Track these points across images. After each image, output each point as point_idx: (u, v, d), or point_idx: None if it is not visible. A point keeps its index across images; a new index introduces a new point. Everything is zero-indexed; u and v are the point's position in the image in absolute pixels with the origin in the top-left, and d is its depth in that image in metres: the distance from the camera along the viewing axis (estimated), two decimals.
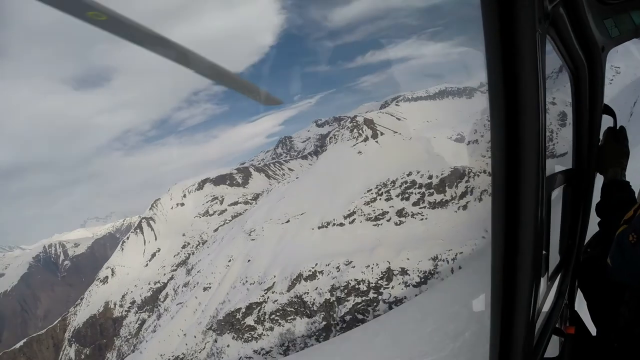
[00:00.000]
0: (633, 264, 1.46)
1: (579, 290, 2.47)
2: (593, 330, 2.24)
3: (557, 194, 1.85)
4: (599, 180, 2.28)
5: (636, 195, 2.08)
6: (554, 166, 1.80)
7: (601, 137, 2.25)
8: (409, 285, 69.88)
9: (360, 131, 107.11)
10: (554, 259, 2.13)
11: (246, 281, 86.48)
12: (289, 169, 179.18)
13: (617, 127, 2.23)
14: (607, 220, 2.13)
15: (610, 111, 2.20)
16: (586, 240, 2.44)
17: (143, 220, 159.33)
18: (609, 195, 2.13)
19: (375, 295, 70.03)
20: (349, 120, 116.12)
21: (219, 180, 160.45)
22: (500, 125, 1.05)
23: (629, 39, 2.03)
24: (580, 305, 2.42)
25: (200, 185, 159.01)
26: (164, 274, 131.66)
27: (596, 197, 2.25)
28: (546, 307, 1.97)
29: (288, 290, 77.23)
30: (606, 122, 2.25)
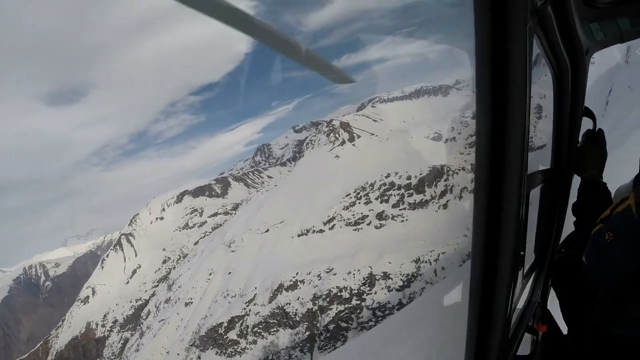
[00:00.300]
0: (608, 262, 1.52)
1: (551, 289, 2.54)
2: (564, 329, 2.31)
3: (534, 192, 1.88)
4: (577, 181, 2.30)
5: (612, 196, 2.12)
6: (533, 165, 1.88)
7: (580, 138, 2.30)
8: (392, 290, 68.57)
9: (337, 135, 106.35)
10: (529, 257, 2.13)
11: (227, 294, 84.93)
12: (268, 176, 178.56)
13: (596, 130, 2.26)
14: (583, 219, 2.18)
15: (590, 114, 2.24)
16: (561, 240, 2.49)
17: (122, 237, 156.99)
18: (586, 195, 2.18)
19: (359, 302, 68.65)
20: (325, 124, 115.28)
21: (198, 192, 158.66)
22: (487, 119, 1.03)
23: (613, 44, 2.06)
24: (552, 305, 2.49)
25: (179, 198, 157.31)
26: (145, 291, 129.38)
27: (572, 197, 2.30)
28: (520, 306, 2.01)
29: (270, 302, 75.71)
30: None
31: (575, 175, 2.32)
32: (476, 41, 0.96)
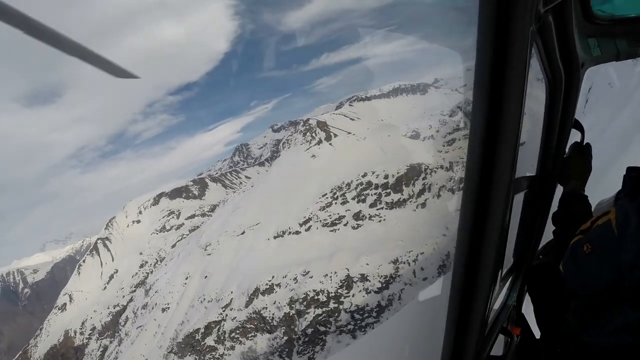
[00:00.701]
0: (585, 273, 1.59)
1: (527, 294, 2.64)
2: (537, 333, 2.38)
3: (517, 198, 1.89)
4: (559, 190, 2.37)
5: (593, 209, 2.19)
6: (520, 170, 1.83)
7: (567, 150, 2.36)
8: (370, 292, 67.49)
9: (314, 134, 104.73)
10: (508, 261, 2.21)
11: (204, 299, 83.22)
12: (246, 177, 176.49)
13: (584, 143, 2.34)
14: (563, 229, 2.22)
15: (579, 126, 2.31)
16: (540, 247, 2.58)
17: (99, 241, 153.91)
18: (568, 206, 2.23)
19: (336, 305, 67.36)
20: (302, 123, 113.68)
21: (175, 194, 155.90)
22: (482, 119, 1.03)
23: (608, 61, 2.14)
24: (527, 309, 2.56)
25: (156, 200, 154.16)
26: (123, 296, 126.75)
27: (554, 207, 2.36)
28: (496, 307, 2.09)
29: (246, 306, 74.16)
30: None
31: (559, 185, 2.35)
32: (478, 40, 0.96)
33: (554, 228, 2.27)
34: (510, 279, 2.27)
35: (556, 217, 2.23)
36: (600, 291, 1.51)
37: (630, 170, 1.50)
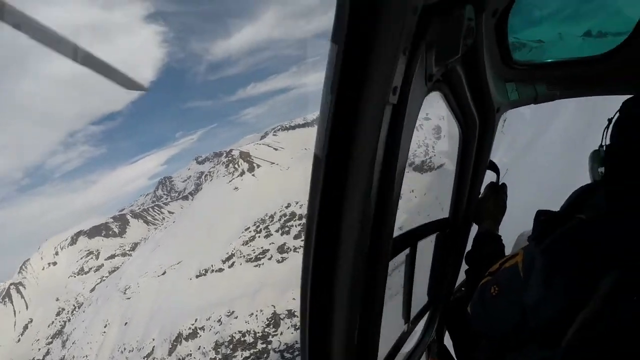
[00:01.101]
0: (491, 315, 1.59)
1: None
2: None
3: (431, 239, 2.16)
4: (474, 230, 2.44)
5: (505, 250, 2.25)
6: (435, 214, 2.17)
7: (482, 190, 2.42)
8: (299, 328, 65.16)
9: (236, 166, 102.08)
10: (422, 300, 2.38)
11: (124, 349, 76.95)
12: (169, 212, 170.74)
13: (499, 184, 2.42)
14: (474, 269, 2.28)
15: (494, 167, 2.37)
16: (457, 285, 2.68)
17: (11, 287, 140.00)
18: (480, 245, 2.28)
19: (265, 346, 64.45)
20: (225, 155, 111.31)
21: (94, 232, 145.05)
22: (327, 171, 0.92)
23: (526, 104, 2.19)
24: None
25: (74, 240, 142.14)
26: (39, 349, 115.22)
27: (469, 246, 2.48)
28: (409, 347, 2.24)
29: (169, 354, 69.08)
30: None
31: (474, 225, 2.40)
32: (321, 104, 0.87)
33: (467, 268, 2.30)
34: (427, 316, 2.38)
35: (469, 257, 2.27)
36: (507, 333, 1.49)
37: (540, 214, 1.47)
